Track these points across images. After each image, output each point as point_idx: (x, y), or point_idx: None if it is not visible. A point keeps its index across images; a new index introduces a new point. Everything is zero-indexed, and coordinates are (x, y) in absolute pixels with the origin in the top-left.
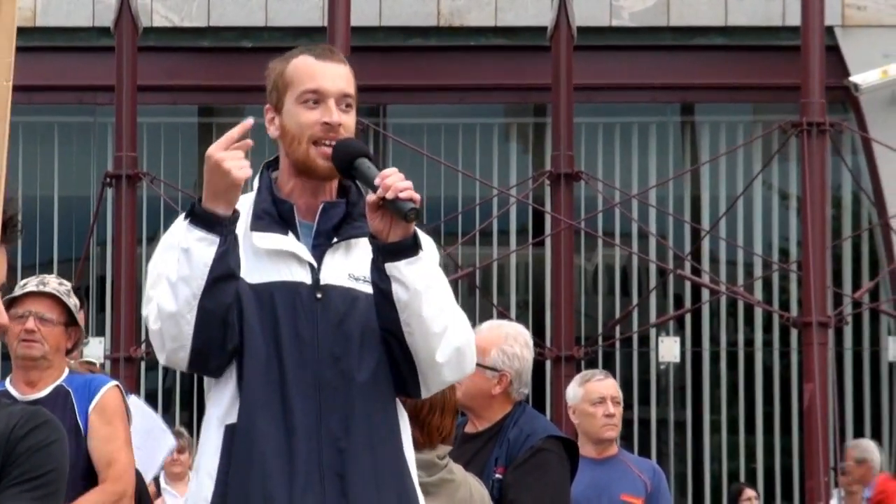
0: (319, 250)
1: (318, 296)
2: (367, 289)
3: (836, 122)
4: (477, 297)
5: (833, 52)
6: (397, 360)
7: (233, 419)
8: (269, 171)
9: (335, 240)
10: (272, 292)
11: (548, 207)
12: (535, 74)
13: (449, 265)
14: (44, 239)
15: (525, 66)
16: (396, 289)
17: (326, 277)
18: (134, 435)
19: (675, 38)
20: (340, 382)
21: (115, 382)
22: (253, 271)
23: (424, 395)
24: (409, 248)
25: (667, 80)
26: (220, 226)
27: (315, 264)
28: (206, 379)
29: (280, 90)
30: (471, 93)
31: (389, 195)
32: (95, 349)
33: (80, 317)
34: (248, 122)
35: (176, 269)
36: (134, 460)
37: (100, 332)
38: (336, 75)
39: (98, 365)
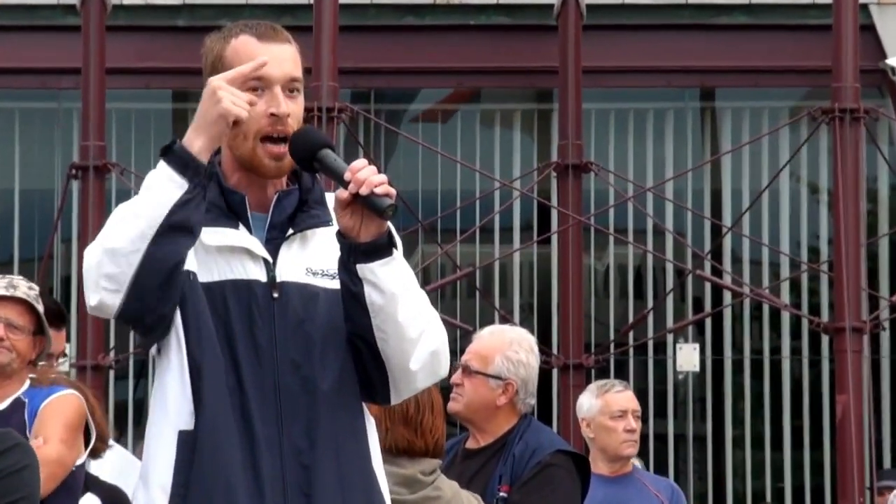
0: (274, 244)
1: (275, 295)
2: (327, 284)
3: (871, 108)
4: (477, 300)
5: (868, 31)
6: (366, 366)
7: (187, 425)
8: (214, 157)
9: (290, 231)
10: (224, 292)
11: (554, 202)
12: (540, 56)
13: (447, 265)
14: (3, 236)
15: (529, 48)
16: (370, 292)
17: (283, 274)
18: (108, 472)
19: (694, 17)
20: (302, 391)
21: (72, 391)
22: (203, 269)
23: (394, 401)
24: (384, 247)
25: (685, 62)
26: (192, 170)
27: (270, 260)
28: (152, 379)
29: (218, 73)
30: (470, 76)
31: (363, 191)
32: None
33: (61, 329)
34: (263, 59)
35: (133, 204)
36: (61, 460)
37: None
38: (282, 58)
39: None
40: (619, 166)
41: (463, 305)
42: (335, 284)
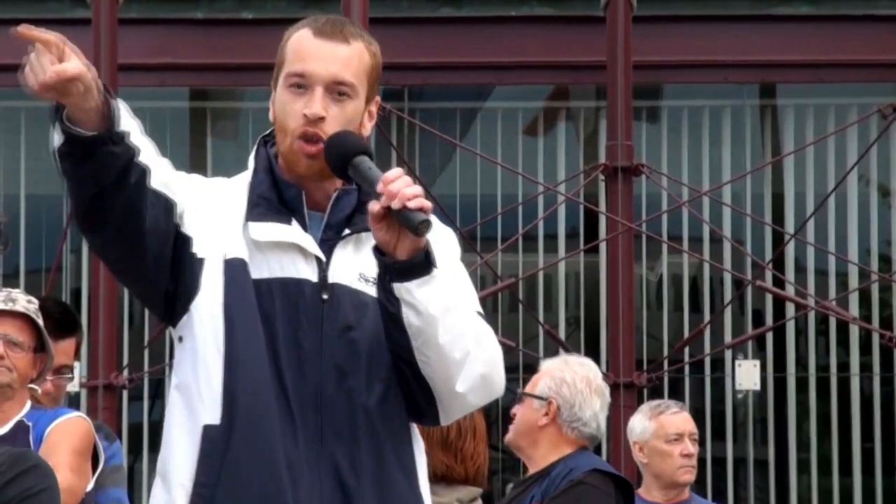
0: (328, 245)
1: (325, 296)
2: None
3: None
4: (520, 313)
5: None
6: (411, 387)
7: (212, 419)
8: (266, 147)
9: (346, 231)
10: (272, 290)
11: (602, 207)
12: (586, 50)
13: (487, 276)
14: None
15: (575, 41)
16: (407, 313)
17: (335, 275)
18: None
19: (753, 7)
20: (346, 404)
21: (79, 414)
22: (252, 266)
23: (444, 422)
24: (421, 265)
25: (743, 56)
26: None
27: (324, 259)
28: (170, 372)
29: (277, 66)
30: (511, 72)
31: (395, 205)
32: None
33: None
34: (48, 36)
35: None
36: (72, 489)
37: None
38: (331, 56)
39: (40, 392)
40: (672, 169)
41: (505, 319)
42: None
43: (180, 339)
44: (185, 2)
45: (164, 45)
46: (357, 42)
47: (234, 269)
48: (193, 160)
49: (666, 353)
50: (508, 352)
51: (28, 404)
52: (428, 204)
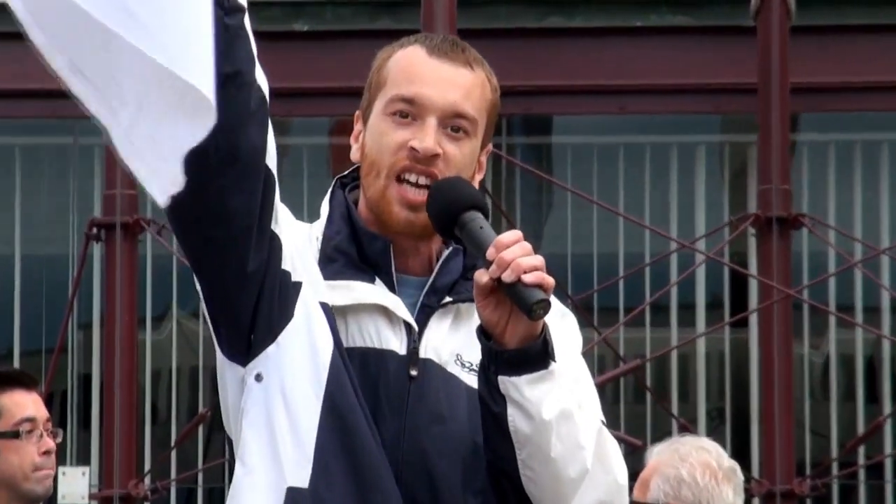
0: (425, 313)
1: (413, 373)
2: (472, 382)
3: None
4: (647, 404)
5: None
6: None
7: (299, 481)
8: (345, 190)
9: (447, 299)
10: (347, 362)
11: (752, 269)
12: (731, 69)
13: (606, 356)
14: (0, 320)
15: (717, 57)
16: (514, 416)
17: (428, 350)
18: None
19: None
20: None
21: None
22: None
23: None
24: (536, 357)
25: None
26: None
27: (416, 326)
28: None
29: (372, 90)
30: (637, 98)
31: (508, 277)
32: (77, 484)
33: None
34: None
35: None
36: None
37: (83, 459)
38: (449, 81)
39: None
40: (842, 220)
41: (629, 411)
42: None
43: (258, 377)
44: None
45: None
46: (480, 70)
47: (329, 315)
48: None
49: (835, 453)
50: (633, 453)
51: None
52: (549, 280)
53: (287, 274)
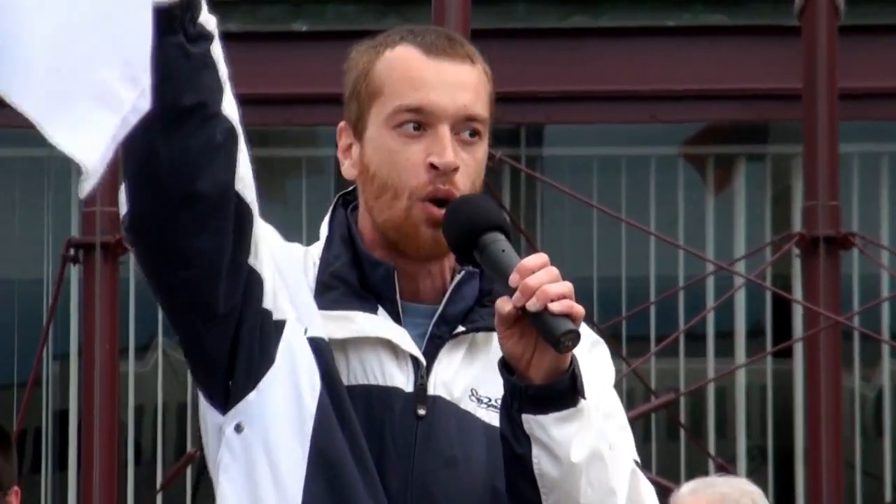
0: (434, 344)
1: (421, 412)
2: (494, 419)
3: None
4: (681, 442)
5: None
6: None
7: None
8: (347, 210)
9: (460, 329)
10: (347, 401)
11: (797, 294)
12: (773, 73)
13: (636, 389)
14: None
15: (757, 60)
16: (540, 457)
17: (438, 386)
18: None
19: None
20: None
21: None
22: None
23: None
24: (564, 394)
25: None
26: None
27: (423, 361)
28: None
29: (363, 100)
30: (669, 104)
31: (533, 306)
32: None
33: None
34: None
35: None
36: None
37: (60, 501)
38: (455, 83)
39: None
40: None
41: (661, 449)
42: None
43: (237, 427)
44: (218, 9)
45: None
46: (479, 62)
47: (323, 351)
48: None
49: (888, 496)
50: (666, 496)
51: None
52: (579, 309)
53: (268, 313)
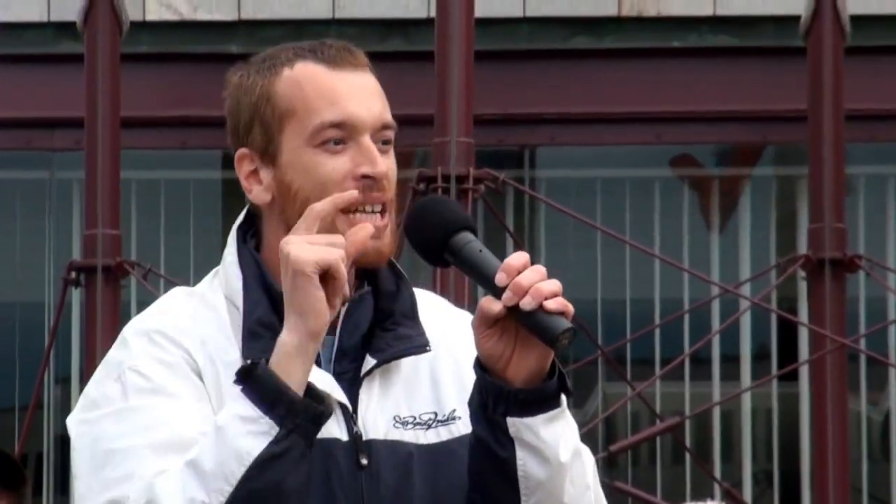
0: (346, 382)
1: (363, 461)
2: (420, 438)
3: None
4: (687, 465)
5: None
6: None
7: None
8: (249, 243)
9: (372, 363)
10: None
11: (803, 316)
12: (779, 94)
13: (641, 413)
14: None
15: (763, 81)
16: (525, 460)
17: (370, 429)
18: None
19: None
20: None
21: None
22: None
23: None
24: (551, 395)
25: None
26: (285, 406)
27: (349, 406)
28: None
29: (271, 123)
30: (674, 126)
31: (528, 305)
32: None
33: None
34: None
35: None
36: None
37: None
38: (365, 93)
39: None
40: None
41: (666, 474)
42: (431, 437)
43: None
44: (214, 31)
45: (186, 91)
46: (371, 67)
47: None
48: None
49: None
50: None
51: None
52: (570, 307)
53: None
